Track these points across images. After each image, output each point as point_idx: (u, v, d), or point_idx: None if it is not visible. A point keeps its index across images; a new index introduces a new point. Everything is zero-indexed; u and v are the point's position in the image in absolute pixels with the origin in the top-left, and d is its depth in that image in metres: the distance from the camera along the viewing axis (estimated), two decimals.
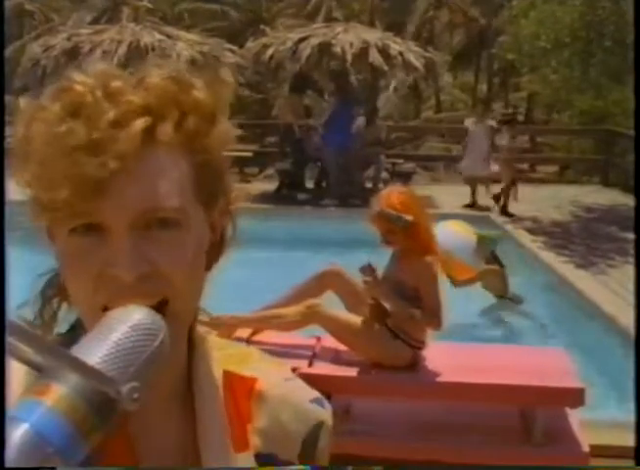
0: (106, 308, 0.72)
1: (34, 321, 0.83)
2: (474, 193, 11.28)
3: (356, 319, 3.95)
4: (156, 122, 0.74)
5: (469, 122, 11.83)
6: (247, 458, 0.83)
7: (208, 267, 0.82)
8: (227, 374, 0.87)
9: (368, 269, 3.84)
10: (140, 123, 0.72)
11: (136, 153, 0.72)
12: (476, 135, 11.28)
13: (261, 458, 0.84)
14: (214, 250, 0.83)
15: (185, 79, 0.79)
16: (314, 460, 0.88)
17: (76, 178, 0.70)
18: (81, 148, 0.71)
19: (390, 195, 3.88)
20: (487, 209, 10.96)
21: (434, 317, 3.77)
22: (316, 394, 0.90)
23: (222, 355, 0.88)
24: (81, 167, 0.70)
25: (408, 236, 3.77)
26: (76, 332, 0.80)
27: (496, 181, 11.06)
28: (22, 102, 0.78)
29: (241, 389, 0.86)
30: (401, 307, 3.80)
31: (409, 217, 3.74)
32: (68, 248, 0.75)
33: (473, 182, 11.35)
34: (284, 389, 0.88)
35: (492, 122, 11.53)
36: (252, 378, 0.87)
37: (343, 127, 11.47)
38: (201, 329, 0.85)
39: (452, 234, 4.46)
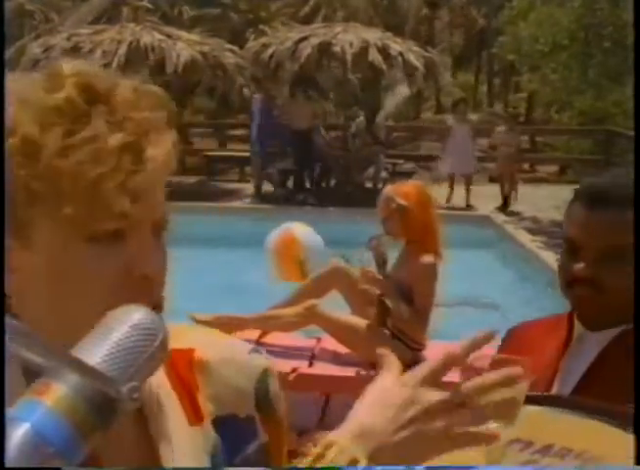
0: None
1: None
2: (451, 192, 11.36)
3: (355, 320, 3.95)
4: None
5: (451, 121, 11.84)
6: (204, 429, 0.84)
7: None
8: None
9: (374, 241, 3.84)
10: (173, 135, 0.76)
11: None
12: (458, 134, 11.29)
13: (221, 422, 0.86)
14: None
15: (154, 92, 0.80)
16: (272, 406, 0.90)
17: (117, 181, 0.71)
18: (118, 151, 0.72)
19: (403, 184, 4.08)
20: (468, 208, 11.11)
21: (420, 321, 3.79)
22: (251, 345, 0.93)
23: None
24: (123, 171, 0.71)
25: (403, 223, 3.81)
26: None
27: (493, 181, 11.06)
28: (12, 80, 0.75)
29: (181, 362, 0.87)
30: (397, 305, 3.81)
31: (404, 202, 3.79)
32: (84, 256, 0.73)
33: (452, 181, 11.46)
34: (220, 349, 0.90)
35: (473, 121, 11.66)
36: (190, 349, 0.88)
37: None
38: None
39: (312, 233, 4.58)
